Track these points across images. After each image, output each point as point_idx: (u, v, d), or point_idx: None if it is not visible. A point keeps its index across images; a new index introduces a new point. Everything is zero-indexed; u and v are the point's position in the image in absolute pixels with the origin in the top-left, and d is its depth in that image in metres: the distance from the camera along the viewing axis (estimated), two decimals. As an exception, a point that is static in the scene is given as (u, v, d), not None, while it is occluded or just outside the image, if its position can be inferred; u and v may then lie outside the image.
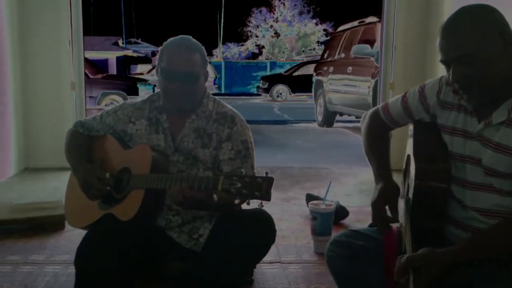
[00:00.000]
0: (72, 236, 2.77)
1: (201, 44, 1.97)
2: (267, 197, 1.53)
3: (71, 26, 4.54)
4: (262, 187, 1.52)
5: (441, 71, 1.49)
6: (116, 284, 1.71)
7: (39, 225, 2.91)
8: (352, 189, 4.00)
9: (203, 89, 1.99)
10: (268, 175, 1.55)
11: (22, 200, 3.46)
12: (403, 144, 1.85)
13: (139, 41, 39.82)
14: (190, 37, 1.97)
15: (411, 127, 1.70)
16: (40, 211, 3.00)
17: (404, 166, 1.78)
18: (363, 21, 8.31)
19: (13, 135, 4.43)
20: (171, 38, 1.98)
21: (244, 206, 1.69)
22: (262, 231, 1.85)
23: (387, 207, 1.58)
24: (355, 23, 8.64)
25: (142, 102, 2.06)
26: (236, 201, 1.61)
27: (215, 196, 1.64)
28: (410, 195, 1.55)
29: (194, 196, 1.66)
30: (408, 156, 1.71)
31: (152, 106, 2.02)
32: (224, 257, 1.76)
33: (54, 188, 3.87)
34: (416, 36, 4.62)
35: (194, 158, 1.93)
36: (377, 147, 1.73)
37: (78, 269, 1.75)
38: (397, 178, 1.66)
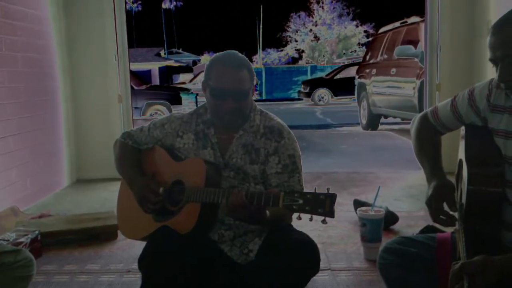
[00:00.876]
0: (125, 246, 2.85)
1: (247, 58, 1.95)
2: (330, 214, 1.53)
3: (117, 41, 4.68)
4: (326, 204, 1.52)
5: (490, 70, 1.46)
6: None
7: (93, 235, 3.00)
8: (401, 194, 3.93)
9: (251, 103, 1.98)
10: (330, 191, 1.55)
11: (75, 211, 3.59)
12: (453, 146, 1.81)
13: (180, 51, 40.64)
14: (236, 52, 1.96)
15: (462, 128, 1.66)
16: (94, 221, 3.10)
17: (456, 171, 1.74)
18: (406, 22, 8.18)
19: (65, 148, 4.60)
20: (217, 55, 1.97)
21: (306, 222, 1.66)
22: (306, 263, 1.81)
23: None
24: (397, 23, 8.51)
25: (189, 115, 2.05)
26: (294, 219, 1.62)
27: (267, 212, 1.63)
28: (464, 201, 1.51)
29: (253, 210, 1.66)
30: (460, 160, 1.67)
31: (199, 119, 2.01)
32: (267, 276, 1.75)
33: (105, 199, 3.99)
34: (462, 35, 4.50)
35: (245, 173, 1.92)
36: (428, 151, 1.70)
37: (144, 272, 1.80)
38: (450, 179, 1.62)
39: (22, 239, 2.62)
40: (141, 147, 2.10)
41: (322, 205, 1.52)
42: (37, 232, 2.75)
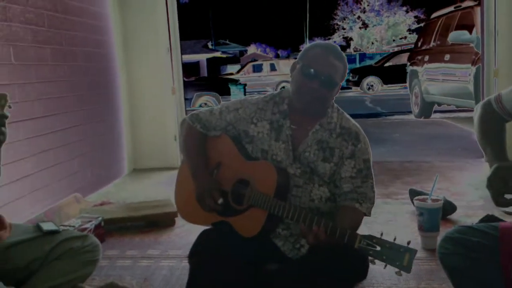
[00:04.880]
0: (182, 233, 2.94)
1: (346, 58, 1.95)
2: (407, 269, 1.48)
3: (169, 34, 4.79)
4: (404, 258, 1.48)
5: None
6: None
7: (152, 222, 3.11)
8: (458, 183, 3.83)
9: (332, 99, 1.94)
10: (410, 245, 1.50)
11: (133, 199, 3.72)
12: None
13: (227, 41, 40.85)
14: (339, 47, 1.96)
15: None
16: (152, 209, 3.20)
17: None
18: (459, 6, 7.90)
19: (123, 138, 4.77)
20: (321, 41, 1.98)
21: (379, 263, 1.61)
22: (353, 269, 1.78)
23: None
24: (451, 8, 8.23)
25: (264, 102, 1.99)
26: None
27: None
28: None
29: (325, 241, 1.64)
30: None
31: (275, 108, 1.96)
32: (316, 272, 1.73)
33: (161, 187, 4.12)
34: (521, 19, 4.31)
35: (312, 171, 1.88)
36: (492, 139, 1.65)
37: (192, 267, 1.84)
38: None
39: (86, 225, 2.75)
40: (208, 133, 2.04)
41: (401, 259, 1.48)
42: (100, 218, 2.87)
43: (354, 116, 2.01)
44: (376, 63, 20.12)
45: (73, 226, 2.70)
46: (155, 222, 3.11)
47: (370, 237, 1.54)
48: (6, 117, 1.79)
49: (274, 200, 1.76)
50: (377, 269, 2.26)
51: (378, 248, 1.51)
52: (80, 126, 3.95)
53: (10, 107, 1.82)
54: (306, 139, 1.90)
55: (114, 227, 3.04)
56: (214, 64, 28.77)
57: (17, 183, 3.10)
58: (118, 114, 4.70)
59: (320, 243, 1.65)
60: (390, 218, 3.06)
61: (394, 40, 38.54)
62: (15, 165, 3.08)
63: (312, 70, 1.84)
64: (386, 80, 18.01)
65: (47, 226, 2.00)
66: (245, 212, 1.84)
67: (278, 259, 1.91)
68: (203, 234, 1.94)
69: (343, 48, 42.10)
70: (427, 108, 8.84)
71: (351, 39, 42.57)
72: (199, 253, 1.84)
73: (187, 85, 11.98)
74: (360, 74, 18.61)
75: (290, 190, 1.87)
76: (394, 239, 1.54)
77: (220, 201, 1.87)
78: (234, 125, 2.00)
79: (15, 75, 3.13)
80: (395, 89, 17.54)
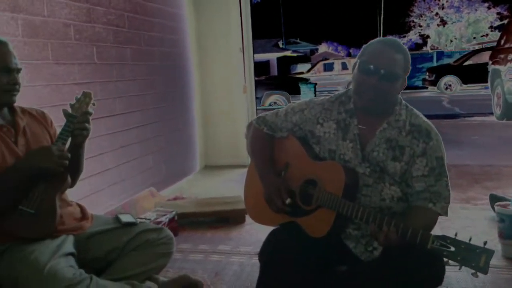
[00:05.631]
0: (252, 230, 2.98)
1: (407, 50, 1.87)
2: (484, 270, 1.43)
3: (242, 33, 4.86)
4: (481, 259, 1.43)
5: None
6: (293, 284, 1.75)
7: (223, 218, 3.18)
8: (543, 189, 3.59)
9: (397, 95, 1.88)
10: (486, 246, 1.44)
11: (204, 195, 3.81)
12: None
13: (298, 40, 40.72)
14: (399, 40, 1.91)
15: None
16: (223, 205, 3.27)
17: None
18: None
19: (196, 136, 4.90)
20: (380, 37, 1.92)
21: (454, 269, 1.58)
22: (429, 275, 1.69)
23: None
24: (538, 3, 7.73)
25: (330, 102, 1.97)
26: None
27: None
28: None
29: (395, 241, 1.60)
30: None
31: (341, 107, 1.94)
32: (389, 276, 1.69)
33: (231, 184, 4.19)
34: None
35: (382, 170, 1.83)
36: None
37: (262, 265, 1.87)
38: None
39: (161, 219, 2.85)
40: (275, 134, 2.06)
41: (477, 260, 1.43)
42: (174, 212, 2.97)
43: (429, 116, 1.94)
44: (455, 61, 19.23)
45: (149, 219, 2.80)
46: (226, 218, 3.17)
47: (444, 238, 1.48)
48: (90, 114, 1.91)
49: (342, 200, 1.74)
50: (453, 275, 2.18)
51: (453, 249, 1.46)
52: (156, 123, 4.10)
53: (94, 104, 1.93)
54: (374, 139, 1.85)
55: (186, 221, 3.12)
56: (285, 63, 28.75)
57: (97, 176, 3.27)
58: (192, 111, 4.83)
59: (392, 243, 1.61)
60: (468, 224, 2.92)
61: (474, 38, 36.67)
62: (96, 159, 3.25)
63: (371, 66, 1.79)
64: (465, 80, 17.16)
65: (125, 218, 2.10)
66: (314, 212, 1.83)
67: (349, 261, 1.89)
68: (273, 233, 1.95)
69: (419, 46, 40.75)
70: (510, 110, 8.35)
71: (428, 36, 40.98)
72: (269, 252, 1.85)
73: (257, 84, 11.97)
74: (437, 73, 17.86)
75: (360, 190, 1.84)
76: (470, 240, 1.48)
77: (288, 201, 1.88)
78: (300, 126, 2.00)
79: (97, 74, 3.30)
80: (475, 89, 16.70)
